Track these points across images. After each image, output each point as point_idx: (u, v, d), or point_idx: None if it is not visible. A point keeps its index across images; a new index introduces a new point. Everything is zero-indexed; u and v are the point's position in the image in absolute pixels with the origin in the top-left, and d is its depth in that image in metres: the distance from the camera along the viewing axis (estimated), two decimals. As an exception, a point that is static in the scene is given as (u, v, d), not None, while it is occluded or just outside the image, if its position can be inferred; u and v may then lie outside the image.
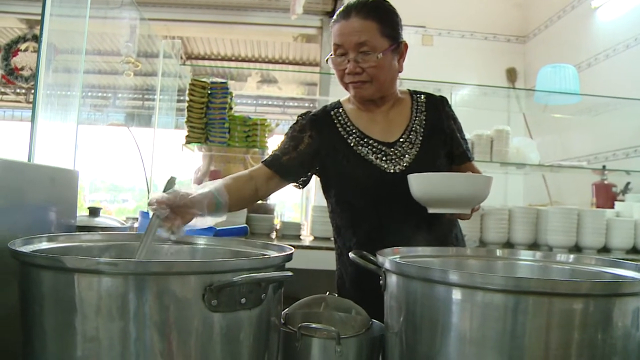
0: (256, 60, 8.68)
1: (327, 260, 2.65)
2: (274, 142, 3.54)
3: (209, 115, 3.19)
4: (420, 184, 1.40)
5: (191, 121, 3.18)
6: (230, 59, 8.78)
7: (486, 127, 3.66)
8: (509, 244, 3.26)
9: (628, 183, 3.66)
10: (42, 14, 2.23)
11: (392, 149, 1.60)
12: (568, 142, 4.52)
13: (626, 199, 3.59)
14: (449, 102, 1.75)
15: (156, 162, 3.40)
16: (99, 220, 1.38)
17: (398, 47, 1.59)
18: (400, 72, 1.63)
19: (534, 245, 3.24)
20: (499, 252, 1.21)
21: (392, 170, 1.57)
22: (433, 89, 4.56)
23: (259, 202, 3.73)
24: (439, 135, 1.66)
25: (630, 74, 3.86)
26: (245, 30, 6.05)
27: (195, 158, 3.80)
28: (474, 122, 3.73)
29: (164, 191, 1.17)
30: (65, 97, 2.51)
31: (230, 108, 3.30)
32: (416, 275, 0.84)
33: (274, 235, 3.36)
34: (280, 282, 0.89)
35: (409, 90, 1.76)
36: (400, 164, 1.58)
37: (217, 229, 1.44)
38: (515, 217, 3.20)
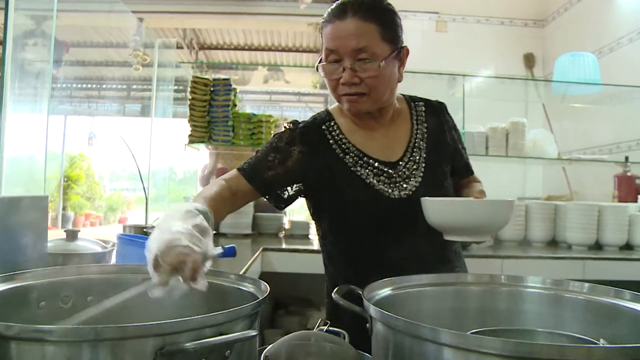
0: (269, 49, 8.60)
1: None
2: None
3: (211, 113, 3.10)
4: (438, 211, 1.26)
5: (194, 120, 3.08)
6: (243, 48, 8.71)
7: (502, 118, 3.51)
8: (525, 241, 3.13)
9: (652, 174, 3.50)
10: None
11: (394, 170, 1.42)
12: (589, 131, 4.33)
13: (650, 192, 3.44)
14: (447, 107, 1.59)
15: (159, 153, 3.30)
16: (76, 246, 1.25)
17: (399, 53, 1.39)
18: (400, 81, 1.42)
19: (552, 243, 3.11)
20: (503, 279, 1.10)
21: (396, 196, 1.39)
22: (448, 79, 4.50)
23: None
24: (443, 149, 1.50)
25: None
26: (255, 20, 5.94)
27: (200, 155, 3.72)
28: (489, 113, 3.60)
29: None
30: (34, 89, 2.44)
31: (234, 105, 3.21)
32: (404, 330, 0.74)
33: (282, 234, 3.28)
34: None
35: (404, 97, 1.56)
36: (405, 189, 1.40)
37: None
38: (533, 213, 3.07)
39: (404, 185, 1.40)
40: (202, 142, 3.09)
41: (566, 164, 4.03)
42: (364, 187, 1.39)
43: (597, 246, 3.00)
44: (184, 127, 3.32)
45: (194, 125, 3.08)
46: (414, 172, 1.42)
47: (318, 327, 1.15)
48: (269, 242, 2.90)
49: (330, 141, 1.44)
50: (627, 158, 3.54)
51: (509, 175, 4.64)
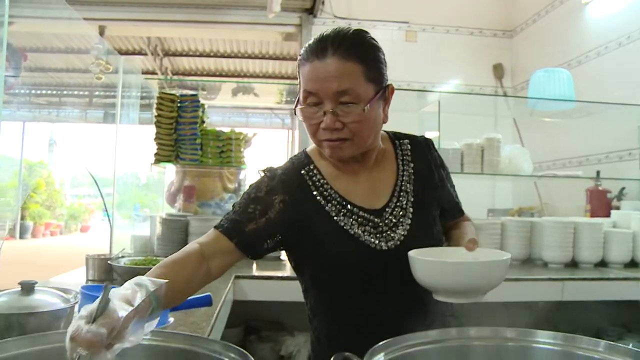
0: (235, 57, 8.49)
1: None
2: (251, 155, 3.33)
3: (179, 130, 2.96)
4: (426, 270, 1.15)
5: (160, 138, 2.94)
6: (208, 55, 8.57)
7: (472, 132, 3.45)
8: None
9: (623, 188, 3.50)
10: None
11: (380, 219, 1.30)
12: (558, 144, 4.35)
13: (621, 206, 3.44)
14: (434, 144, 1.48)
15: (121, 159, 3.15)
16: (33, 301, 1.08)
17: (384, 93, 1.28)
18: (386, 122, 1.32)
19: (527, 261, 3.07)
20: (508, 333, 1.02)
21: (383, 247, 1.27)
22: (419, 87, 4.45)
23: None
24: (431, 192, 1.39)
25: (622, 73, 3.68)
26: (222, 28, 5.81)
27: (167, 173, 3.58)
28: (459, 127, 3.54)
29: (96, 310, 0.82)
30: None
31: (202, 122, 3.08)
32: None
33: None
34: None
35: (388, 134, 1.45)
36: (392, 239, 1.28)
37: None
38: (508, 231, 3.02)
39: (391, 235, 1.29)
40: (169, 161, 2.94)
41: (540, 179, 4.02)
42: (348, 239, 1.27)
43: (573, 263, 2.97)
44: (147, 133, 3.19)
45: (160, 144, 2.94)
46: (401, 219, 1.31)
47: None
48: (240, 265, 2.77)
49: (311, 187, 1.33)
50: (598, 173, 3.54)
51: (479, 187, 4.62)
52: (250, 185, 1.36)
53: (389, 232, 1.29)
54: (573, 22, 4.29)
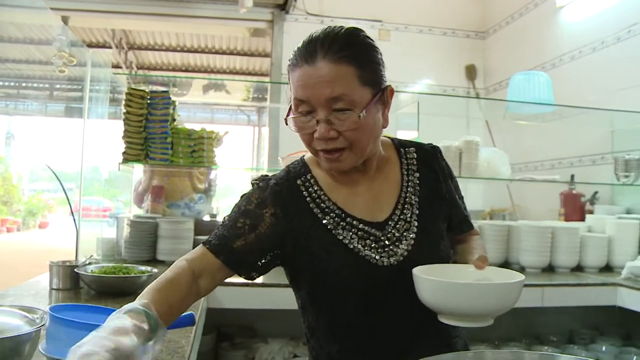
0: (202, 52, 8.33)
1: (289, 299, 2.38)
2: (222, 154, 3.21)
3: (148, 129, 2.82)
4: (432, 291, 1.06)
5: (129, 136, 2.79)
6: (175, 50, 8.38)
7: (445, 133, 3.38)
8: (478, 264, 3.05)
9: (596, 192, 3.51)
10: None
11: (382, 232, 1.21)
12: (532, 146, 4.35)
13: (595, 210, 3.45)
14: (442, 152, 1.37)
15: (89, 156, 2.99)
16: None
17: (382, 95, 1.17)
18: (386, 126, 1.21)
19: (504, 265, 3.03)
20: (527, 356, 0.94)
21: (385, 263, 1.17)
22: (396, 93, 4.39)
23: (208, 219, 3.42)
24: (438, 204, 1.29)
25: (596, 78, 3.70)
26: (191, 22, 5.65)
27: (134, 172, 3.44)
28: (431, 128, 3.49)
29: None
30: None
31: (173, 120, 2.94)
32: None
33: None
34: None
35: (391, 140, 1.35)
36: (395, 254, 1.18)
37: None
38: (485, 235, 2.98)
39: (394, 250, 1.19)
40: (138, 160, 2.80)
41: (517, 183, 4.00)
42: (347, 254, 1.18)
43: (550, 268, 2.96)
44: (108, 127, 3.04)
45: (129, 142, 2.79)
46: (404, 233, 1.21)
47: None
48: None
49: (307, 199, 1.23)
50: (572, 177, 3.54)
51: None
52: (241, 197, 1.26)
53: (391, 247, 1.19)
54: (547, 26, 4.29)
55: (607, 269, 3.03)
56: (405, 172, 1.30)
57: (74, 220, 2.05)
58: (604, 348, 2.85)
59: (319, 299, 1.23)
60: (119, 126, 2.86)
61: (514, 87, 3.34)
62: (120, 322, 0.87)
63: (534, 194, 4.16)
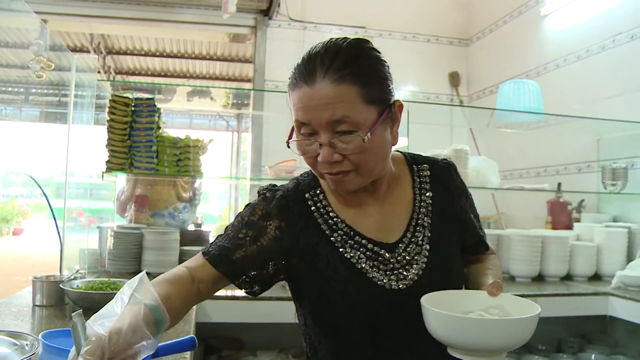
0: (182, 57, 8.23)
1: (278, 312, 2.33)
2: (207, 162, 3.15)
3: (133, 137, 2.74)
4: (442, 324, 0.99)
5: (112, 144, 2.71)
6: (154, 55, 8.27)
7: (429, 141, 3.34)
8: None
9: (582, 200, 3.52)
10: None
11: (392, 254, 1.15)
12: (517, 154, 4.36)
13: (581, 218, 3.46)
14: (457, 169, 1.32)
15: (73, 162, 2.90)
16: None
17: (390, 112, 1.10)
18: (395, 144, 1.14)
19: (494, 274, 3.02)
20: None
21: (394, 287, 1.12)
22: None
23: (193, 229, 3.34)
24: (451, 225, 1.23)
25: (581, 86, 3.72)
26: (173, 27, 5.57)
27: (117, 180, 3.35)
28: (419, 137, 3.46)
29: (76, 343, 0.78)
30: None
31: (159, 127, 2.87)
32: None
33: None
34: None
35: (404, 156, 1.28)
36: (405, 277, 1.13)
37: (158, 345, 1.04)
38: (474, 244, 2.95)
39: (404, 274, 1.13)
40: (123, 170, 2.72)
41: (505, 191, 3.99)
42: (354, 274, 1.12)
43: (540, 277, 2.95)
44: (86, 132, 2.95)
45: (113, 151, 2.71)
46: (415, 256, 1.16)
47: None
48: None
49: (315, 214, 1.18)
50: (559, 185, 3.54)
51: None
52: (245, 206, 1.22)
53: (401, 270, 1.14)
54: (531, 34, 4.31)
55: (596, 277, 3.03)
56: (418, 192, 1.24)
57: (58, 232, 1.97)
58: (593, 356, 2.84)
59: (323, 318, 1.18)
60: (102, 133, 2.79)
61: (504, 95, 3.33)
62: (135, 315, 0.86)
63: (520, 202, 4.16)
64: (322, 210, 1.18)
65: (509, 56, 4.62)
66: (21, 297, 2.01)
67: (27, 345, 1.00)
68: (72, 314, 0.81)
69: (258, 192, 1.23)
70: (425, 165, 1.27)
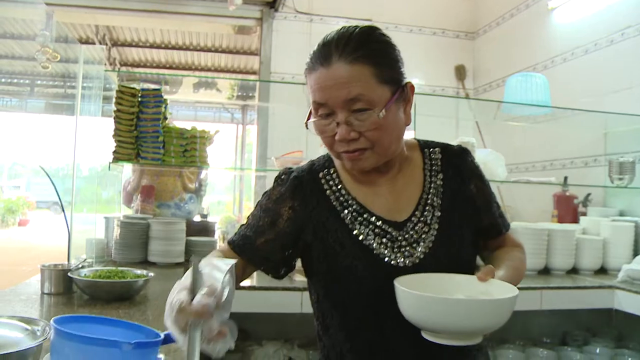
0: (187, 49, 8.23)
1: (284, 302, 2.33)
2: (213, 153, 3.15)
3: (140, 127, 2.75)
4: (413, 305, 0.98)
5: (119, 134, 2.72)
6: (159, 47, 8.27)
7: (435, 134, 3.33)
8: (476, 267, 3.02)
9: (588, 194, 3.51)
10: None
11: (400, 232, 1.19)
12: (523, 148, 4.34)
13: (588, 212, 3.45)
14: (471, 153, 1.32)
15: (81, 154, 2.90)
16: None
17: (403, 92, 1.16)
18: (408, 124, 1.19)
19: (500, 267, 3.02)
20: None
21: (401, 264, 1.15)
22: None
23: (199, 220, 3.35)
24: (462, 207, 1.24)
25: (589, 80, 3.69)
26: (179, 19, 5.56)
27: (124, 170, 3.36)
28: (425, 130, 3.45)
29: (193, 283, 0.86)
30: None
31: (165, 118, 2.88)
32: None
33: (217, 260, 2.98)
34: None
35: (417, 141, 1.32)
36: (411, 255, 1.16)
37: (166, 332, 1.04)
38: (480, 237, 2.95)
39: (411, 252, 1.17)
40: (129, 160, 2.73)
41: (511, 185, 3.98)
42: (362, 250, 1.17)
43: (546, 270, 2.94)
44: (93, 124, 2.96)
45: (120, 141, 2.71)
46: (423, 235, 1.19)
47: None
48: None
49: (328, 192, 1.24)
50: (566, 178, 3.53)
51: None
52: (264, 194, 1.29)
53: (408, 248, 1.17)
54: (538, 27, 4.28)
55: (602, 271, 3.02)
56: (428, 173, 1.27)
57: (66, 222, 1.98)
58: (598, 350, 2.84)
59: (332, 294, 1.23)
60: (109, 124, 2.79)
61: (511, 88, 3.31)
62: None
63: (526, 195, 4.15)
64: (334, 188, 1.24)
65: (515, 50, 4.60)
66: (29, 285, 2.02)
67: (38, 330, 1.00)
68: (192, 257, 0.89)
69: (275, 178, 1.29)
70: (437, 148, 1.30)
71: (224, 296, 0.87)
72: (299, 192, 1.23)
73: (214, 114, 12.71)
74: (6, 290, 1.91)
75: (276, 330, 2.77)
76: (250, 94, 9.87)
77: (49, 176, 2.20)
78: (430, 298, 0.95)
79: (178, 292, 0.87)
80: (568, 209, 3.51)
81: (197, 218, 3.30)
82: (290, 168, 1.29)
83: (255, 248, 1.20)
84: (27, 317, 1.05)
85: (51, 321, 0.96)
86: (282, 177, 1.27)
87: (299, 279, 2.41)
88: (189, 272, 0.89)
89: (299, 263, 1.31)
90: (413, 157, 1.29)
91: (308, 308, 2.29)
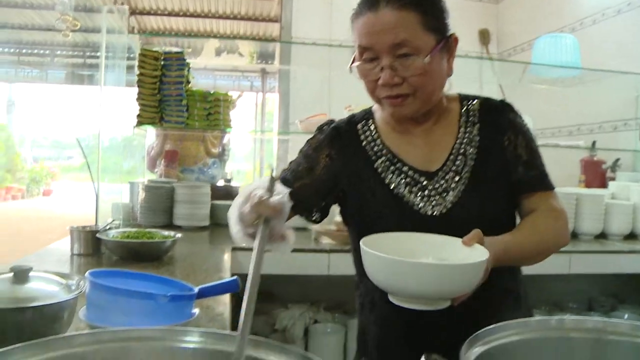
0: (205, 16, 8.17)
1: (310, 264, 2.33)
2: (236, 118, 3.13)
3: (163, 91, 2.73)
4: (375, 267, 0.96)
5: (142, 98, 2.71)
6: (177, 15, 8.22)
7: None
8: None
9: (617, 159, 3.43)
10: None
11: (430, 182, 1.20)
12: (549, 112, 4.25)
13: (617, 177, 3.38)
14: (515, 109, 1.28)
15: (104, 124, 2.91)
16: (30, 291, 0.90)
17: (447, 43, 1.16)
18: (450, 75, 1.20)
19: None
20: (610, 327, 0.86)
21: (429, 212, 1.17)
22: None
23: (222, 184, 3.35)
24: (497, 159, 1.21)
25: (620, 41, 3.57)
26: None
27: (147, 136, 3.36)
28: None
29: (270, 186, 0.93)
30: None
31: (188, 82, 2.86)
32: None
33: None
34: None
35: (459, 95, 1.31)
36: (440, 204, 1.17)
37: (200, 287, 1.03)
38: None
39: (440, 201, 1.18)
40: (153, 123, 2.72)
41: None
42: (391, 198, 1.20)
43: (573, 235, 2.90)
44: (115, 94, 2.96)
45: (143, 105, 2.71)
46: (453, 184, 1.19)
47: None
48: (228, 235, 2.60)
49: (363, 143, 1.28)
50: (594, 143, 3.45)
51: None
52: (306, 141, 1.34)
53: (437, 197, 1.19)
54: (566, -12, 4.15)
55: (632, 236, 2.96)
56: (464, 125, 1.25)
57: (94, 185, 1.98)
58: (626, 316, 2.82)
59: None
60: (131, 93, 2.79)
61: (539, 50, 3.23)
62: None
63: (552, 160, 4.00)
64: (369, 138, 1.27)
65: (542, 12, 4.46)
66: (58, 247, 2.04)
67: (73, 284, 1.00)
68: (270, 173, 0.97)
69: (317, 127, 1.34)
70: (477, 100, 1.29)
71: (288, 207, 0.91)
72: (336, 141, 1.28)
73: (234, 82, 12.64)
74: (35, 254, 1.93)
75: (302, 293, 2.77)
76: (270, 62, 9.80)
77: (81, 148, 2.22)
78: (390, 260, 0.92)
79: (255, 189, 0.92)
80: (596, 174, 3.44)
81: (220, 183, 3.30)
82: (332, 120, 1.34)
83: (292, 192, 1.16)
84: (61, 272, 1.04)
85: (86, 274, 0.96)
86: (324, 127, 1.32)
87: (326, 241, 2.40)
88: (263, 179, 0.96)
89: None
90: (451, 108, 1.28)
91: (335, 270, 2.31)
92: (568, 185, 3.42)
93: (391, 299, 0.97)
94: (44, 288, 0.95)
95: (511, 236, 1.12)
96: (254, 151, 9.75)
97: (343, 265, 2.17)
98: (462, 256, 0.99)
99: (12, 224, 10.56)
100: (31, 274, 0.96)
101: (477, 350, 0.78)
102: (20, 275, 0.94)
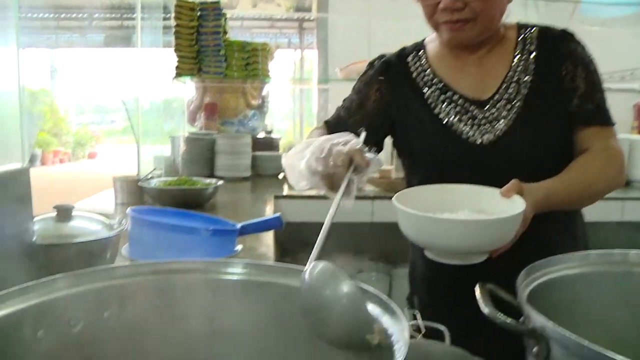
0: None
1: (354, 211, 2.28)
2: (274, 68, 3.09)
3: (200, 41, 2.70)
4: (411, 225, 0.91)
5: (180, 49, 2.69)
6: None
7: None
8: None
9: (674, 103, 3.27)
10: None
11: (483, 110, 1.14)
12: (599, 55, 4.04)
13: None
14: (577, 39, 1.17)
15: (143, 85, 2.91)
16: (73, 229, 0.91)
17: None
18: (510, 1, 1.13)
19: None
20: None
21: (479, 141, 1.12)
22: None
23: (263, 136, 3.33)
24: (553, 88, 1.13)
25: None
26: None
27: (187, 88, 3.35)
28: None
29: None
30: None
31: (225, 32, 2.81)
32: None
33: (281, 175, 2.97)
34: None
35: (517, 23, 1.23)
36: (491, 132, 1.12)
37: (242, 224, 1.01)
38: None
39: (490, 129, 1.12)
40: (191, 74, 2.70)
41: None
42: (439, 127, 1.16)
43: (626, 183, 2.78)
44: (152, 56, 2.95)
45: (181, 56, 2.69)
46: (504, 112, 1.13)
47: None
48: (270, 185, 2.60)
49: (414, 74, 1.23)
50: (650, 85, 3.28)
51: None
52: (358, 78, 1.32)
53: (487, 126, 1.13)
54: None
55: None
56: (520, 52, 1.18)
57: (135, 134, 1.98)
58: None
59: (415, 174, 1.25)
60: (168, 53, 2.77)
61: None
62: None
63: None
64: (420, 69, 1.23)
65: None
66: (103, 197, 2.06)
67: (115, 224, 0.99)
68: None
69: (368, 63, 1.31)
70: (536, 28, 1.20)
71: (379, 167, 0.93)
72: (386, 75, 1.25)
73: (270, 39, 12.50)
74: (80, 202, 1.95)
75: (346, 243, 2.75)
76: (307, 17, 9.62)
77: (126, 109, 2.24)
78: (420, 217, 0.88)
79: (339, 137, 0.94)
80: (650, 120, 3.29)
81: (261, 134, 3.28)
82: (383, 54, 1.30)
83: (347, 125, 1.20)
84: (103, 213, 1.04)
85: (128, 210, 0.94)
86: (375, 62, 1.29)
87: (369, 188, 2.37)
88: (342, 133, 0.96)
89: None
90: (508, 36, 1.21)
91: (379, 217, 2.27)
92: (620, 132, 3.27)
93: (426, 253, 0.95)
94: (86, 226, 0.94)
95: (555, 180, 1.03)
96: (293, 110, 9.70)
97: (386, 212, 2.13)
98: (500, 207, 0.94)
99: (62, 185, 10.87)
100: (74, 213, 0.95)
101: (535, 281, 0.75)
102: (64, 213, 0.94)
